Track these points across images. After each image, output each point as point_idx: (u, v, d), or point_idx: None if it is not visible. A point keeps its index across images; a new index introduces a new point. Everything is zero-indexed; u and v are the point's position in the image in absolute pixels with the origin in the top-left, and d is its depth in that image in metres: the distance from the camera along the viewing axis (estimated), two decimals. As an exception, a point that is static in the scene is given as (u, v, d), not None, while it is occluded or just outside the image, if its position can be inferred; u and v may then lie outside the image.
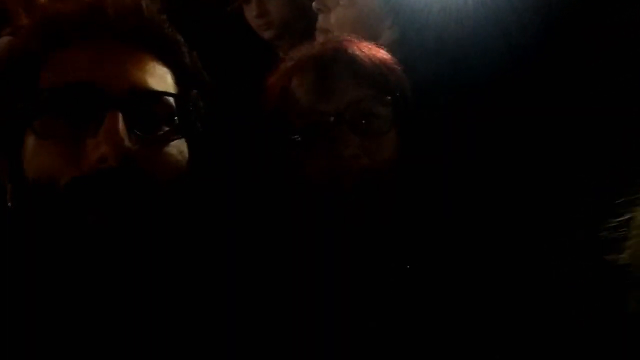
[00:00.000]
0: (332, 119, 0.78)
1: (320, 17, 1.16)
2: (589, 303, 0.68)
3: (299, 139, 0.80)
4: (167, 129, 0.66)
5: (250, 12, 1.42)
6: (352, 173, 0.78)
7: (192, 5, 1.54)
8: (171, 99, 0.67)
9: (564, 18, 0.98)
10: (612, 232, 0.60)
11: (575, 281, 0.70)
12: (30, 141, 0.63)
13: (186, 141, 0.68)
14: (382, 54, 0.86)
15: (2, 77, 0.67)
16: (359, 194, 0.79)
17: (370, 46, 0.86)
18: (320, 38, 1.15)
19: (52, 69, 0.64)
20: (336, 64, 0.81)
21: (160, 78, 0.68)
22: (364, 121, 0.80)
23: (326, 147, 0.79)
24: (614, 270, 0.59)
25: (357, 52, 0.83)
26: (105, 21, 0.66)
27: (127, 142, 0.60)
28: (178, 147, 0.67)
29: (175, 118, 0.67)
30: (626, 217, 0.59)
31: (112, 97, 0.62)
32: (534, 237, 0.79)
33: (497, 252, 0.78)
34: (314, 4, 1.16)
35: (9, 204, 0.66)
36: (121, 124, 0.60)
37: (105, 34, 0.66)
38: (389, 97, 0.83)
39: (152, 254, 0.63)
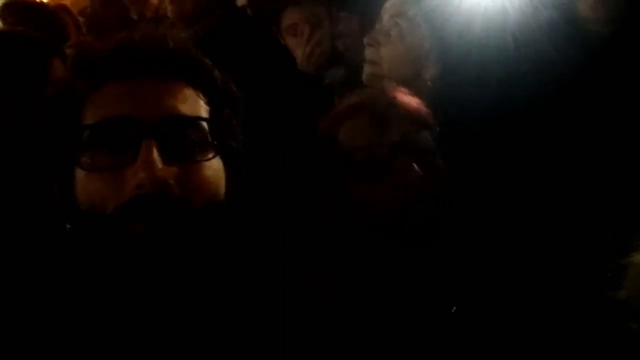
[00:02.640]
0: (388, 149, 0.92)
1: (370, 51, 1.28)
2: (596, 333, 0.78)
3: (360, 170, 0.93)
4: (202, 150, 0.70)
5: (297, 41, 1.57)
6: (412, 197, 0.90)
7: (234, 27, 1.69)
8: (203, 122, 0.71)
9: (604, 54, 1.07)
10: (615, 272, 0.74)
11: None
12: (79, 174, 0.68)
13: (223, 160, 0.72)
14: (415, 98, 1.02)
15: (51, 117, 0.74)
16: (420, 216, 0.90)
17: (405, 91, 1.02)
18: (367, 69, 1.29)
19: (92, 107, 0.70)
20: (387, 106, 0.97)
21: (192, 103, 0.71)
22: (415, 152, 0.93)
23: (387, 176, 0.92)
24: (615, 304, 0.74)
25: (400, 97, 0.99)
26: (135, 58, 0.71)
27: (160, 168, 0.64)
28: (214, 167, 0.70)
29: (209, 140, 0.71)
30: (626, 260, 0.74)
31: (146, 127, 0.66)
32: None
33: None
34: (365, 38, 1.29)
35: (67, 227, 0.73)
36: (155, 152, 0.65)
37: (137, 69, 0.71)
38: (430, 132, 0.98)
39: (190, 274, 0.67)
